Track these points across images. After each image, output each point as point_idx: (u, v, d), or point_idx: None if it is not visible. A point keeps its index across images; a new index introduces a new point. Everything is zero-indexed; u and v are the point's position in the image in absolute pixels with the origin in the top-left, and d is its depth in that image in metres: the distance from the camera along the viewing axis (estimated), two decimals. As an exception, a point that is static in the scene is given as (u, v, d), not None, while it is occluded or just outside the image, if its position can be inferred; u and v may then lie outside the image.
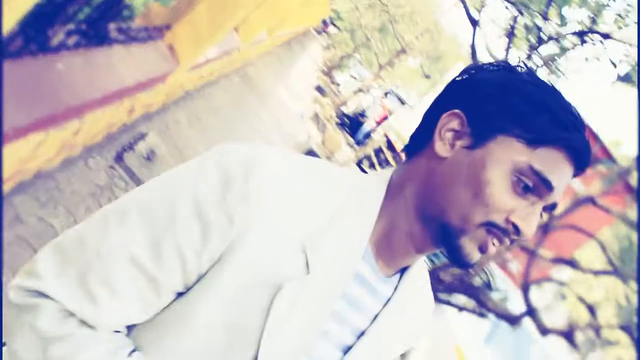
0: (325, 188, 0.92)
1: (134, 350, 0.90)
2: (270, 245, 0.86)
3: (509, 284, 6.42)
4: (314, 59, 25.89)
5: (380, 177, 1.00)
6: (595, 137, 3.58)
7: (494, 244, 0.92)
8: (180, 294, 0.89)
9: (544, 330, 3.04)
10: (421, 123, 1.02)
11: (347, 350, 0.99)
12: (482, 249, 0.93)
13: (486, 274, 6.49)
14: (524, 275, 3.24)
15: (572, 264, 3.64)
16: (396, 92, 22.32)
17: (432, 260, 6.75)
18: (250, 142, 0.93)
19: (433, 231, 0.94)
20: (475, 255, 0.93)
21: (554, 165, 0.90)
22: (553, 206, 0.94)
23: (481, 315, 4.02)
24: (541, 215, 0.95)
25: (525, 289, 3.22)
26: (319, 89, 18.92)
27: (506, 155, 0.90)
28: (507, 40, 3.46)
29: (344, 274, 0.92)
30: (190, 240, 0.84)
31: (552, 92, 0.93)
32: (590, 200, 3.33)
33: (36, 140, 2.62)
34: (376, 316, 1.01)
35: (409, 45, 18.30)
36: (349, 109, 18.59)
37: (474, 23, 3.66)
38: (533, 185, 0.89)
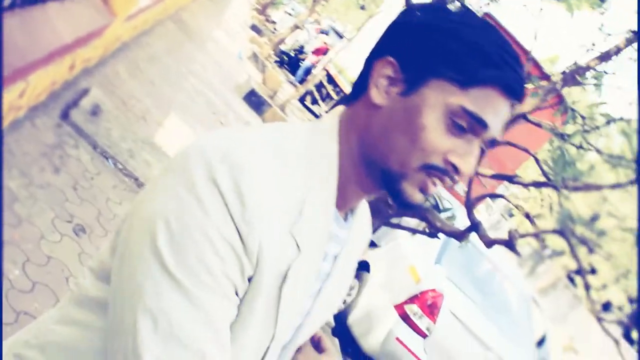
0: (292, 168, 0.92)
1: None
2: (274, 246, 0.87)
3: (455, 203, 6.70)
4: (247, -2, 25.39)
5: (329, 130, 1.00)
6: (528, 55, 3.73)
7: (434, 184, 0.95)
8: None
9: (488, 243, 3.28)
10: (363, 67, 1.02)
11: (316, 295, 1.05)
12: (423, 190, 0.95)
13: (433, 197, 6.77)
14: (467, 193, 3.46)
15: (510, 178, 3.88)
16: (333, 25, 22.18)
17: None
18: (203, 139, 0.91)
19: (376, 176, 0.97)
20: (417, 197, 0.95)
21: (487, 103, 0.91)
22: (493, 141, 0.96)
23: (431, 235, 4.23)
24: (483, 151, 0.98)
25: (468, 206, 3.43)
26: (255, 28, 18.66)
27: (439, 99, 0.91)
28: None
29: (323, 238, 0.97)
30: (233, 268, 0.83)
31: (484, 30, 0.93)
32: (522, 117, 3.52)
33: (-14, 105, 2.65)
34: (336, 257, 1.07)
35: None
36: (286, 47, 18.46)
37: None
38: (467, 125, 0.91)
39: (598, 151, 3.29)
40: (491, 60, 0.90)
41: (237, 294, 0.86)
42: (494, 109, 0.92)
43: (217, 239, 0.82)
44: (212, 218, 0.82)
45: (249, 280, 0.87)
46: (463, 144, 0.93)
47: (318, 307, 1.06)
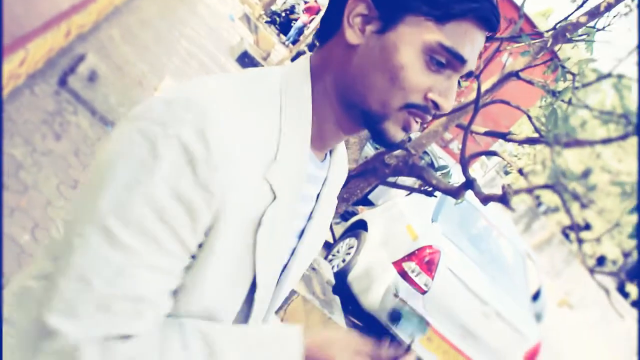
0: (264, 111, 0.92)
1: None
2: (244, 192, 0.87)
3: (450, 161, 6.78)
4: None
5: (301, 71, 0.99)
6: (519, 11, 3.72)
7: (416, 122, 0.95)
8: None
9: (483, 199, 3.35)
10: (329, 6, 0.99)
11: (300, 234, 1.07)
12: (406, 129, 0.95)
13: (429, 155, 6.84)
14: (461, 150, 3.52)
15: (503, 136, 3.94)
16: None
17: (376, 147, 7.05)
18: (174, 88, 0.90)
19: (356, 117, 0.97)
20: (399, 135, 0.96)
21: (464, 37, 0.90)
22: (469, 74, 0.96)
23: (427, 193, 4.29)
24: (459, 84, 1.02)
25: (463, 163, 3.49)
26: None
27: (416, 36, 0.89)
28: None
29: (300, 181, 0.97)
30: (181, 223, 0.82)
31: None
32: (515, 75, 3.56)
33: (-10, 74, 2.69)
34: (317, 197, 1.08)
35: None
36: (277, 7, 18.29)
37: None
38: (446, 61, 0.90)
39: (587, 107, 3.35)
40: None
41: (189, 249, 0.85)
42: (471, 42, 0.91)
43: (163, 200, 0.81)
44: (163, 174, 0.80)
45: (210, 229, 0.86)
46: (442, 79, 0.92)
47: (303, 246, 1.08)
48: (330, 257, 6.14)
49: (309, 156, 0.98)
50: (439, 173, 4.73)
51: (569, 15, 4.09)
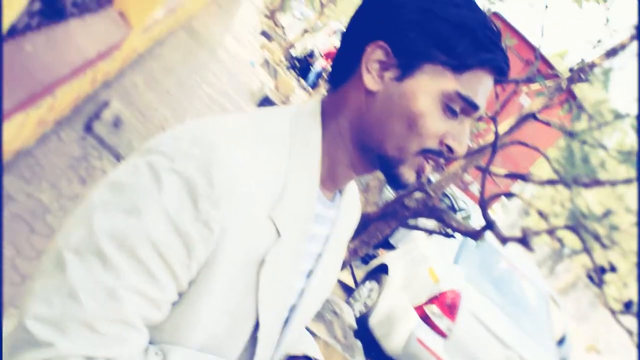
0: (272, 150, 0.92)
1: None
2: (247, 230, 0.88)
3: (470, 203, 6.76)
4: (255, 4, 25.57)
5: (312, 112, 1.00)
6: (536, 52, 3.74)
7: (429, 165, 0.98)
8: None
9: (503, 240, 3.35)
10: (343, 49, 1.01)
11: (309, 274, 1.07)
12: (419, 172, 0.98)
13: (449, 197, 6.83)
14: (481, 192, 3.52)
15: (523, 177, 3.94)
16: (342, 29, 22.27)
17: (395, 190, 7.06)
18: (185, 124, 0.92)
19: (371, 160, 0.99)
20: (412, 178, 0.98)
21: (478, 85, 0.93)
22: (479, 117, 1.06)
23: (447, 235, 4.29)
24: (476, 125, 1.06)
25: (482, 205, 3.50)
26: (265, 34, 18.81)
27: (434, 85, 0.92)
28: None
29: (306, 221, 0.97)
30: (176, 256, 0.84)
31: (471, 11, 0.93)
32: (532, 116, 3.59)
33: (19, 120, 2.77)
34: (327, 237, 1.08)
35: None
36: (297, 52, 18.58)
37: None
38: (460, 108, 0.93)
39: (603, 147, 3.36)
40: (482, 43, 0.92)
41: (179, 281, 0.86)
42: (483, 89, 0.95)
43: (161, 231, 0.82)
44: (165, 205, 0.82)
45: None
46: (456, 124, 0.95)
47: (312, 287, 1.08)
48: (351, 300, 6.11)
49: (317, 196, 1.00)
50: (459, 215, 4.72)
51: (585, 57, 4.14)
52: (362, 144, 0.98)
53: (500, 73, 0.96)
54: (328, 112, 1.00)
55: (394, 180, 0.99)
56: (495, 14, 9.57)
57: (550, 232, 3.08)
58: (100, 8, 4.52)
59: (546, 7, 4.59)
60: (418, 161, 0.96)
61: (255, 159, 0.89)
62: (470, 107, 0.93)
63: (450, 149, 0.96)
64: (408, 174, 0.97)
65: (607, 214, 3.33)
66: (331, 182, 1.03)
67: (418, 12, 0.92)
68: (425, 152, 0.95)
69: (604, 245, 3.26)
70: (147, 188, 0.83)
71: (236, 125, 0.92)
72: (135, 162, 0.86)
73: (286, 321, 1.06)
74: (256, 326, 0.96)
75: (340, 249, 1.18)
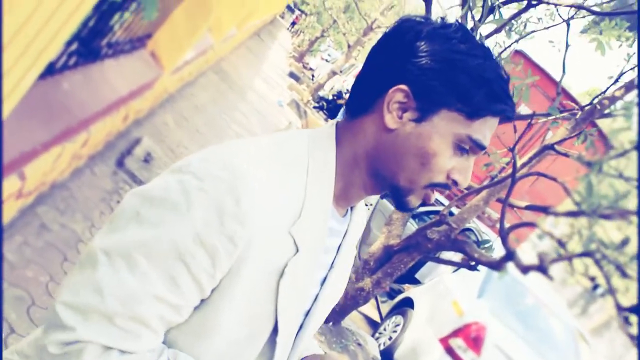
0: (291, 172, 1.01)
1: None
2: (268, 245, 0.96)
3: (494, 237, 6.77)
4: (284, 47, 26.07)
5: (328, 137, 1.09)
6: (557, 87, 3.78)
7: (433, 193, 1.08)
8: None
9: (523, 269, 3.38)
10: (364, 83, 1.10)
11: (322, 282, 1.15)
12: (425, 201, 1.09)
13: (474, 232, 6.86)
14: (500, 222, 3.57)
15: (545, 209, 3.97)
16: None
17: (414, 216, 7.10)
18: (211, 148, 1.01)
19: (383, 186, 1.10)
20: (417, 205, 1.09)
21: (487, 129, 1.04)
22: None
23: (470, 267, 4.32)
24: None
25: (502, 235, 3.54)
26: (293, 75, 19.16)
27: (449, 129, 1.02)
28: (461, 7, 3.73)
29: (322, 235, 1.05)
30: (201, 267, 0.92)
31: (487, 60, 1.03)
32: (551, 148, 3.65)
33: (55, 153, 2.93)
34: (338, 248, 1.18)
35: (376, 22, 18.51)
36: (325, 92, 18.86)
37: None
38: (469, 147, 1.04)
39: (622, 177, 3.40)
40: (495, 94, 1.02)
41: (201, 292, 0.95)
42: (490, 131, 1.06)
43: (188, 243, 0.90)
44: (194, 220, 0.90)
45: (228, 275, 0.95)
46: (463, 161, 1.05)
47: (325, 293, 1.16)
48: (377, 335, 6.13)
49: (331, 213, 1.09)
50: (482, 248, 4.75)
51: (605, 91, 4.21)
52: (375, 172, 1.07)
53: (507, 119, 1.07)
54: (344, 137, 1.09)
55: (402, 206, 1.09)
56: (519, 52, 9.67)
57: (569, 259, 3.11)
58: (134, 49, 4.74)
59: (567, 45, 4.68)
60: (425, 192, 1.07)
61: (277, 180, 0.98)
62: (478, 148, 1.04)
63: (455, 182, 1.06)
64: (415, 202, 1.08)
65: (626, 242, 3.36)
66: (344, 200, 1.12)
67: (440, 62, 1.01)
68: (433, 186, 1.06)
69: (624, 275, 3.28)
70: (177, 203, 0.91)
71: (259, 149, 1.01)
72: (166, 179, 0.95)
73: (301, 326, 1.15)
74: (274, 331, 1.03)
75: (350, 257, 1.27)
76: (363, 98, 1.09)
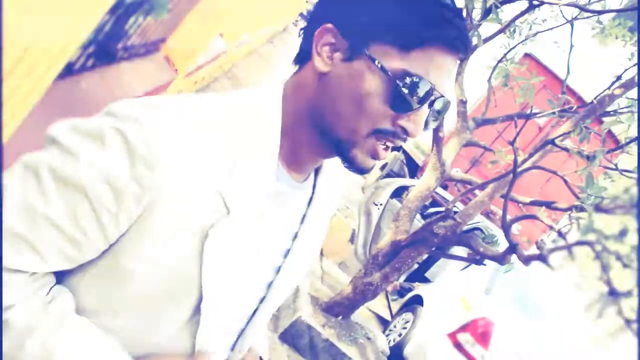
0: (225, 129, 0.94)
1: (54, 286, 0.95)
2: (188, 200, 0.90)
3: (499, 232, 6.87)
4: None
5: (273, 95, 1.01)
6: (562, 85, 3.86)
7: (385, 148, 0.96)
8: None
9: (525, 260, 3.50)
10: (303, 34, 1.02)
11: (286, 253, 1.10)
12: (374, 156, 0.96)
13: (482, 231, 6.96)
14: (502, 215, 3.69)
15: (548, 204, 4.09)
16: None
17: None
18: (145, 98, 0.95)
19: (329, 143, 0.98)
20: (368, 163, 0.97)
21: (430, 63, 0.91)
22: (445, 105, 0.97)
23: (476, 262, 4.43)
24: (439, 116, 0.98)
25: (505, 228, 3.67)
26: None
27: (382, 64, 0.91)
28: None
29: (258, 200, 0.96)
30: (103, 205, 0.87)
31: None
32: (551, 142, 3.77)
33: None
34: (304, 216, 1.11)
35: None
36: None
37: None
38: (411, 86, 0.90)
39: (617, 169, 3.51)
40: (429, 19, 0.90)
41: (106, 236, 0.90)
42: (438, 68, 0.92)
43: (94, 181, 0.86)
44: (104, 160, 0.86)
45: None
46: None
47: (289, 264, 1.11)
48: (387, 332, 6.23)
49: (278, 176, 1.01)
50: (488, 242, 4.86)
51: (606, 89, 4.32)
52: (320, 127, 0.98)
53: (456, 50, 0.93)
54: (288, 95, 1.02)
55: (351, 164, 0.98)
56: (528, 55, 9.78)
57: (569, 249, 3.23)
58: (149, 53, 4.90)
59: (571, 45, 4.78)
60: (371, 143, 0.95)
61: (204, 136, 0.92)
62: (419, 87, 0.91)
63: (404, 130, 0.95)
64: (362, 158, 0.96)
65: (624, 232, 3.49)
66: (296, 164, 1.04)
67: None
68: (378, 133, 0.94)
69: (625, 265, 3.41)
70: (95, 139, 0.87)
71: (201, 106, 0.96)
72: (93, 118, 0.92)
73: (263, 298, 1.11)
74: (201, 298, 0.96)
75: (319, 228, 1.20)
76: (302, 47, 1.03)
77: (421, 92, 0.91)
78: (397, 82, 0.90)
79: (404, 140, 0.96)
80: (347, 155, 0.96)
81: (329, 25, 0.95)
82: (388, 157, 11.03)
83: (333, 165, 1.16)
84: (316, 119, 0.98)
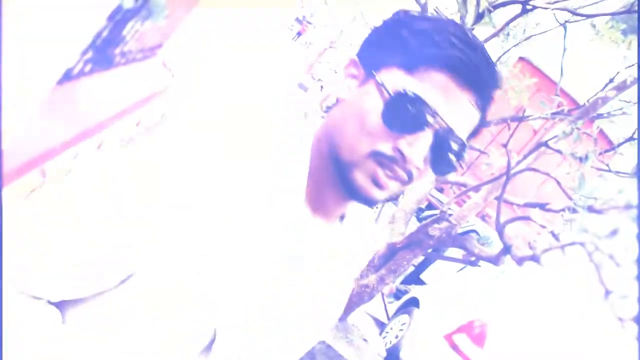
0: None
1: None
2: None
3: (493, 234, 6.92)
4: (291, 57, 26.27)
5: (306, 133, 0.99)
6: (556, 89, 3.91)
7: (387, 176, 0.91)
8: None
9: (518, 261, 3.54)
10: None
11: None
12: (377, 182, 0.91)
13: (476, 233, 7.01)
14: (496, 218, 3.74)
15: (542, 206, 4.13)
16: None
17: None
18: None
19: (334, 169, 0.94)
20: (371, 191, 0.91)
21: (430, 84, 0.89)
22: (454, 139, 0.92)
23: (471, 263, 4.47)
24: (446, 146, 0.91)
25: (499, 229, 3.71)
26: (301, 86, 19.35)
27: (387, 85, 0.90)
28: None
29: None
30: None
31: (438, 22, 0.92)
32: (544, 144, 3.81)
33: (74, 152, 3.13)
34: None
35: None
36: (333, 102, 18.94)
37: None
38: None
39: (609, 170, 3.56)
40: (436, 43, 0.89)
41: None
42: (444, 94, 0.89)
43: None
44: None
45: None
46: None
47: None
48: (383, 334, 6.26)
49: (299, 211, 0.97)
50: (482, 244, 4.90)
51: (599, 91, 4.36)
52: (332, 155, 0.94)
53: (462, 78, 0.89)
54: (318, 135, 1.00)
55: (351, 188, 0.92)
56: (522, 58, 9.84)
57: (561, 248, 3.27)
58: (146, 58, 4.94)
59: (564, 48, 4.83)
60: (371, 166, 0.90)
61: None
62: (414, 105, 0.88)
63: (402, 155, 0.89)
64: (362, 181, 0.91)
65: (615, 232, 3.52)
66: (322, 206, 1.00)
67: (386, 25, 0.96)
68: (377, 156, 0.90)
69: (617, 264, 3.45)
70: None
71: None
72: None
73: None
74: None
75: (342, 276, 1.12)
76: None
77: (415, 110, 0.88)
78: (393, 98, 0.88)
79: (405, 170, 0.91)
80: (347, 176, 0.91)
81: (354, 58, 0.97)
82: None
83: (360, 216, 1.12)
84: (330, 146, 0.94)
